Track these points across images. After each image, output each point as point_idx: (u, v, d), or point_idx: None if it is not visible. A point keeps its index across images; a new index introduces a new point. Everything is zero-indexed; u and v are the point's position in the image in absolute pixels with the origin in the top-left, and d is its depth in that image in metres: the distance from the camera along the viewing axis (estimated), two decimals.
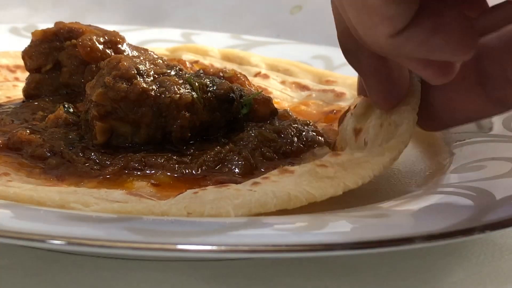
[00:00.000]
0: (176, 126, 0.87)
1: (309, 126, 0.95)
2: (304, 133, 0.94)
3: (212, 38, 1.37)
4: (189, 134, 0.88)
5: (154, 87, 0.87)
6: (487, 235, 0.74)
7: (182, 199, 0.73)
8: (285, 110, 0.99)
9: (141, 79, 0.86)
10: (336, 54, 1.31)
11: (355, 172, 0.77)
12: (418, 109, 0.81)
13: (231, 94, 0.92)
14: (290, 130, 0.93)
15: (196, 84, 0.89)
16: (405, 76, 0.81)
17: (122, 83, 0.86)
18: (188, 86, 0.89)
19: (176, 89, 0.87)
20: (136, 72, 0.87)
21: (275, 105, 1.00)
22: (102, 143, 0.87)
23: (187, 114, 0.87)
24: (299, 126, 0.94)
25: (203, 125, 0.90)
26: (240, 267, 0.74)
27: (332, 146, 0.95)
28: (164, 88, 0.87)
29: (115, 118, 0.87)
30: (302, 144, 0.92)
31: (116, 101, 0.86)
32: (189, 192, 0.75)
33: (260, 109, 0.95)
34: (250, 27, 1.55)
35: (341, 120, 0.96)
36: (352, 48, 0.78)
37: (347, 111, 0.96)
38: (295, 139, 0.92)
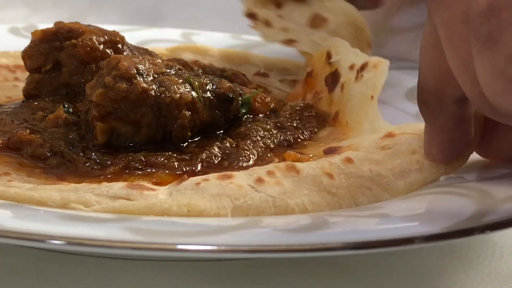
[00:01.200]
0: (177, 125, 0.87)
1: (307, 111, 0.97)
2: (303, 118, 0.95)
3: (212, 38, 1.36)
4: (190, 134, 0.88)
5: (154, 86, 0.87)
6: (487, 235, 0.74)
7: (184, 190, 0.73)
8: (280, 101, 1.01)
9: (141, 79, 0.86)
10: None
11: (353, 195, 0.77)
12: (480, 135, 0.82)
13: (231, 93, 0.92)
14: (287, 119, 0.94)
15: (196, 83, 0.89)
16: (470, 135, 0.80)
17: (122, 83, 0.86)
18: (188, 86, 0.89)
19: (176, 88, 0.87)
20: (136, 72, 0.87)
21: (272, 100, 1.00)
22: (103, 143, 0.87)
23: (188, 114, 0.87)
24: (294, 114, 0.95)
25: (203, 124, 0.90)
26: (240, 267, 0.74)
27: (332, 120, 0.95)
28: (164, 88, 0.87)
29: (116, 118, 0.86)
30: (302, 130, 0.93)
31: (116, 101, 0.86)
32: (192, 182, 0.75)
33: (260, 107, 0.95)
34: (250, 27, 1.54)
35: (332, 83, 0.97)
36: (434, 104, 0.76)
37: (338, 75, 0.97)
38: (294, 124, 0.93)
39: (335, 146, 0.87)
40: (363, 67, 0.96)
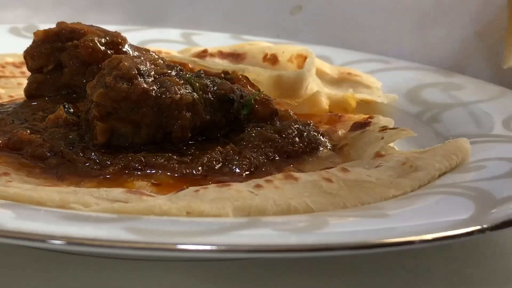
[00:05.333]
0: (177, 126, 0.87)
1: (310, 127, 0.95)
2: (305, 133, 0.94)
3: (212, 38, 1.37)
4: (190, 134, 0.88)
5: (154, 87, 0.86)
6: (487, 235, 0.74)
7: (183, 196, 0.74)
8: (286, 111, 0.99)
9: (142, 80, 0.86)
10: (336, 54, 1.31)
11: (357, 195, 0.78)
12: None
13: (232, 95, 0.91)
14: (291, 131, 0.93)
15: (197, 84, 0.89)
16: None
17: (123, 84, 0.86)
18: (188, 87, 0.89)
19: (177, 89, 0.87)
20: (136, 72, 0.87)
21: (277, 106, 1.00)
22: (103, 143, 0.87)
23: (188, 115, 0.87)
24: (300, 127, 0.94)
25: (204, 125, 0.90)
26: (240, 267, 0.74)
27: (338, 148, 0.95)
28: (164, 89, 0.87)
29: (116, 118, 0.86)
30: (304, 144, 0.92)
31: (116, 101, 0.86)
32: (191, 189, 0.75)
33: (261, 109, 0.95)
34: (250, 27, 1.55)
35: (356, 127, 0.97)
36: None
37: (368, 124, 0.96)
38: (297, 139, 0.92)
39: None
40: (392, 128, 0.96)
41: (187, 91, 0.88)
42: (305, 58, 1.17)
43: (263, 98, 0.96)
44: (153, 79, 0.87)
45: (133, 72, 0.86)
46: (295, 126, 0.94)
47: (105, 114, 0.86)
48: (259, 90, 1.02)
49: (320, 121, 1.03)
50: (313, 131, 0.95)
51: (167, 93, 0.87)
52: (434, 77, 1.21)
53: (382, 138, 0.92)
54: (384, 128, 0.95)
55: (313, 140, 0.93)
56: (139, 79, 0.86)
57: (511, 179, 0.82)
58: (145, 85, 0.86)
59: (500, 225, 0.69)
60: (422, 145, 0.96)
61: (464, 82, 1.18)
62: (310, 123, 0.97)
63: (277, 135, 0.92)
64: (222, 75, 1.02)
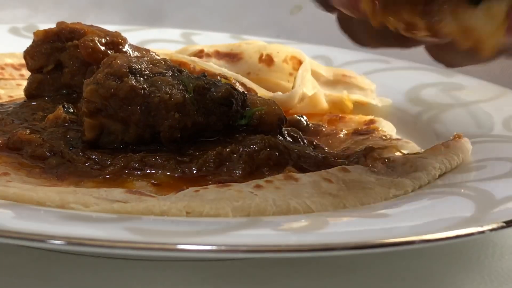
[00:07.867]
0: (165, 126, 0.86)
1: (317, 149, 0.93)
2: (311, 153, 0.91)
3: (212, 38, 1.37)
4: (179, 135, 0.87)
5: (144, 85, 0.86)
6: (487, 235, 0.74)
7: (183, 197, 0.74)
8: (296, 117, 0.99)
9: (132, 77, 0.86)
10: (336, 54, 1.31)
11: (357, 195, 0.78)
12: None
13: (229, 99, 0.90)
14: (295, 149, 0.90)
15: (191, 85, 0.88)
16: None
17: (113, 81, 0.85)
18: (181, 87, 0.88)
19: (168, 89, 0.86)
20: (128, 70, 0.86)
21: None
22: (91, 139, 0.86)
23: (176, 115, 0.86)
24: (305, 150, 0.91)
25: (196, 127, 0.88)
26: (240, 267, 0.74)
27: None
28: (155, 88, 0.86)
29: (105, 116, 0.86)
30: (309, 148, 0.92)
31: (106, 98, 0.85)
32: (190, 189, 0.75)
33: (267, 118, 0.92)
34: (250, 27, 1.55)
35: (357, 135, 0.97)
36: None
37: (369, 132, 0.96)
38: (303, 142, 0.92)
39: None
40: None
41: (178, 91, 0.87)
42: (300, 60, 1.17)
43: (271, 107, 0.92)
44: (145, 78, 0.87)
45: (124, 70, 0.86)
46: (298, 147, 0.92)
47: (94, 111, 0.86)
48: (256, 94, 1.01)
49: (320, 121, 1.03)
50: (321, 155, 0.92)
51: (157, 92, 0.86)
52: (434, 77, 1.21)
53: (385, 147, 0.92)
54: (387, 139, 0.95)
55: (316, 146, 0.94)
56: (130, 77, 0.86)
57: (511, 179, 0.82)
58: (133, 83, 0.85)
59: (500, 225, 0.69)
60: (422, 145, 0.96)
61: (464, 82, 1.18)
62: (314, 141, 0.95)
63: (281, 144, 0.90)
64: (219, 77, 1.01)
